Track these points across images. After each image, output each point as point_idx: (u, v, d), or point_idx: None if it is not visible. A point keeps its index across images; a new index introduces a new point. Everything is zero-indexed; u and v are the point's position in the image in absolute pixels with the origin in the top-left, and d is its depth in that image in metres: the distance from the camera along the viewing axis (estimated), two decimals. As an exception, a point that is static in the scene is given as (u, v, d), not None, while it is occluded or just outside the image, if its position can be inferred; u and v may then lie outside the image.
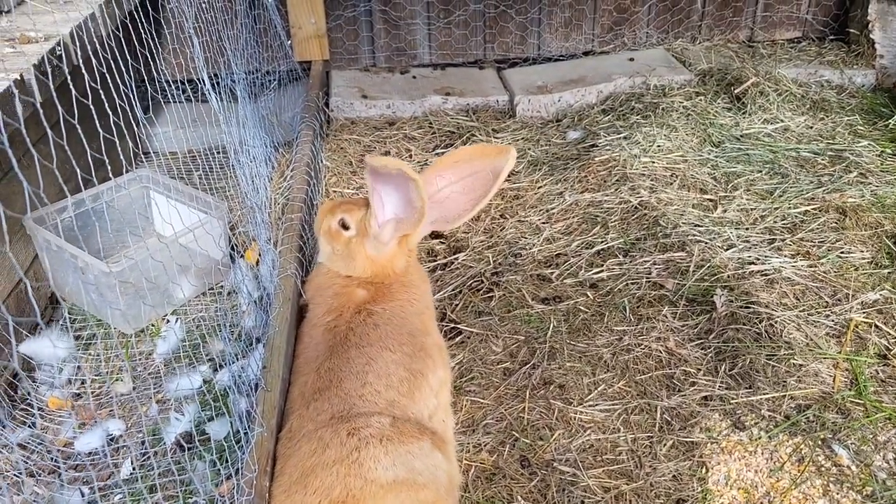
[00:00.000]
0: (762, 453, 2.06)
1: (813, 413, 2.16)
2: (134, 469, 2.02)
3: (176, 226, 2.47)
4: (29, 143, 1.42)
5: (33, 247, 2.55)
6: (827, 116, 3.76)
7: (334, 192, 3.31)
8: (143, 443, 2.12)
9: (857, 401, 2.20)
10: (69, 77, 2.06)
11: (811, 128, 3.67)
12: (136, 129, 2.43)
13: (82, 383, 2.34)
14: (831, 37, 4.62)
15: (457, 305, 2.65)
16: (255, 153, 3.00)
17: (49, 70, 2.11)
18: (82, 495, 1.94)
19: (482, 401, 2.27)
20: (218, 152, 3.39)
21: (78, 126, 1.74)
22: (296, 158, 3.19)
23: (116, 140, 1.99)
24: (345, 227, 2.28)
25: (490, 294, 2.69)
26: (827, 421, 2.13)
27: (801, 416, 2.15)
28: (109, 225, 2.69)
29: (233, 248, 2.80)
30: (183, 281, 2.56)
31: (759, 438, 2.10)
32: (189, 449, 2.08)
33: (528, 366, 2.37)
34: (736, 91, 3.87)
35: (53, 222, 2.52)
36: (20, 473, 2.00)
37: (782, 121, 3.69)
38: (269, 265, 2.53)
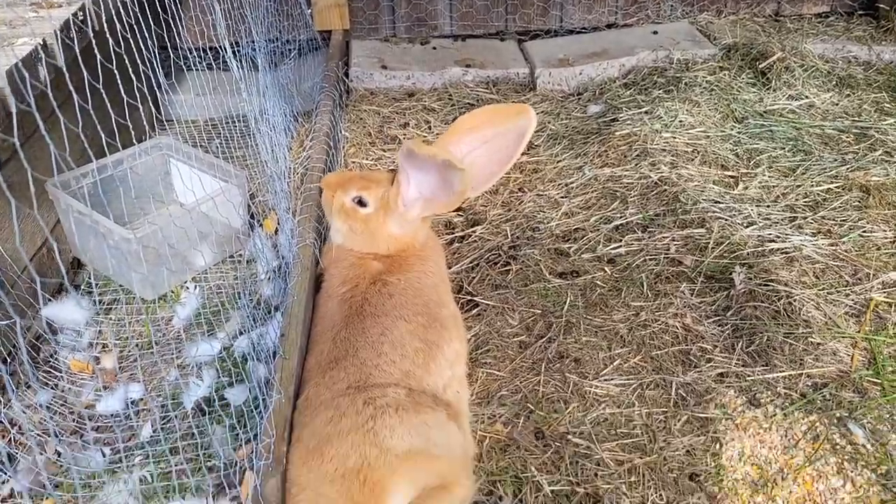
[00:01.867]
0: (777, 430, 2.06)
1: (829, 392, 2.15)
2: (155, 432, 2.06)
3: (196, 193, 2.48)
4: (55, 105, 1.43)
5: (55, 211, 2.58)
6: (853, 93, 3.70)
7: (353, 162, 3.31)
8: (163, 407, 2.16)
9: (874, 380, 2.19)
10: (93, 41, 2.06)
11: (836, 104, 3.61)
12: (158, 94, 2.44)
13: (104, 347, 2.38)
14: (860, 12, 4.52)
15: (474, 278, 2.65)
16: (275, 122, 3.00)
17: (73, 33, 2.12)
18: (104, 456, 1.98)
19: (498, 373, 2.28)
20: (237, 121, 3.40)
21: (102, 90, 1.75)
22: (315, 128, 3.19)
23: (139, 105, 2.00)
24: (362, 204, 2.27)
25: (507, 267, 2.69)
26: (843, 400, 2.13)
27: (818, 394, 2.15)
28: (132, 191, 2.71)
29: (252, 217, 2.82)
30: (203, 248, 2.58)
31: (775, 416, 2.10)
32: (208, 414, 2.12)
33: (544, 339, 2.37)
34: (761, 66, 3.81)
35: (77, 187, 2.54)
36: (44, 433, 2.04)
37: (807, 97, 3.63)
38: (288, 234, 2.55)
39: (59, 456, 1.99)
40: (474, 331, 2.42)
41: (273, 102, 3.07)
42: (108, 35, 1.91)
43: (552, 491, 1.92)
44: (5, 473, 1.91)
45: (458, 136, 2.24)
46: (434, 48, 4.28)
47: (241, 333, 2.35)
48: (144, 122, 2.23)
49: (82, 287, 2.60)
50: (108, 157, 2.66)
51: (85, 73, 1.68)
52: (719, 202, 2.92)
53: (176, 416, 2.11)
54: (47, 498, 1.89)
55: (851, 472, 1.95)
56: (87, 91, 1.65)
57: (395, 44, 4.33)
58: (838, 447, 2.01)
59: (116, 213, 2.63)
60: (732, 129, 3.39)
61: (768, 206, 2.90)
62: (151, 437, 2.05)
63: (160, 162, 2.86)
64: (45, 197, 2.53)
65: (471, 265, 2.72)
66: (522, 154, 2.21)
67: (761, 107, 3.57)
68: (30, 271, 2.28)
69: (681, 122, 3.40)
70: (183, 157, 2.80)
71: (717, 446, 2.03)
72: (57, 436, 2.05)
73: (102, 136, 1.79)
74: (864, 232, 2.74)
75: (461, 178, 2.05)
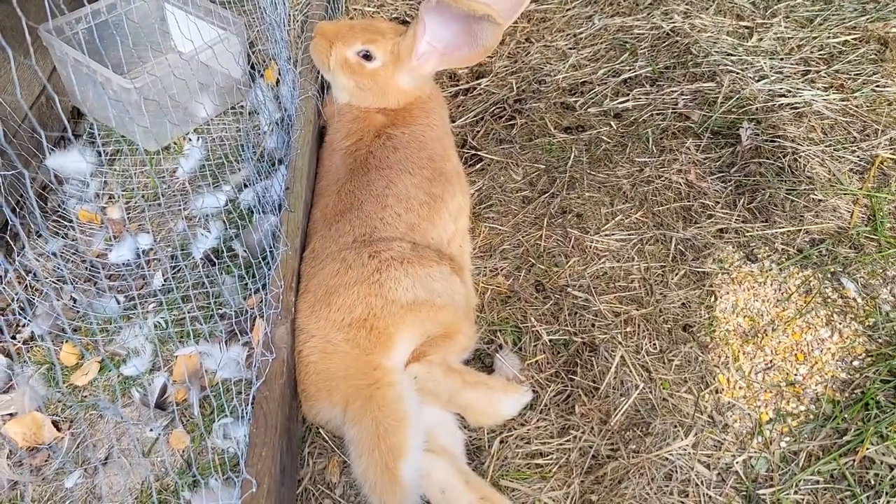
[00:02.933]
0: (771, 284, 2.12)
1: (826, 247, 2.19)
2: (166, 281, 2.12)
3: (194, 42, 2.41)
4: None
5: (51, 58, 2.52)
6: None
7: (355, 9, 3.18)
8: (173, 257, 2.20)
9: (871, 236, 2.22)
10: None
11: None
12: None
13: (110, 198, 2.40)
14: None
15: (478, 132, 2.63)
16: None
17: None
18: (118, 303, 2.05)
19: (500, 227, 2.31)
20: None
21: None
22: (314, -28, 3.04)
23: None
24: (368, 58, 2.20)
25: (512, 121, 2.65)
26: (839, 255, 2.17)
27: (814, 249, 2.18)
28: (128, 39, 2.63)
29: (252, 67, 2.75)
30: (204, 99, 2.54)
31: (770, 270, 2.15)
32: (217, 264, 2.17)
33: (547, 194, 2.38)
34: None
35: (71, 33, 2.46)
36: (58, 280, 2.10)
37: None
38: (290, 85, 2.49)
39: (74, 302, 2.06)
40: (478, 185, 2.43)
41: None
42: None
43: (550, 340, 2.00)
44: (24, 318, 1.99)
45: None
46: None
47: (245, 186, 2.36)
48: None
49: (84, 137, 2.58)
50: (101, 1, 2.56)
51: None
52: (732, 54, 2.84)
53: (186, 266, 2.16)
54: (66, 341, 1.97)
55: (840, 324, 2.02)
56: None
57: None
58: (829, 300, 2.07)
59: (114, 61, 2.56)
60: (751, -24, 3.23)
61: (782, 59, 2.82)
62: (163, 285, 2.11)
63: (155, 8, 2.75)
64: (39, 44, 2.46)
65: (475, 119, 2.69)
66: (531, 1, 2.12)
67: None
68: (30, 121, 2.26)
69: (698, -33, 3.24)
70: (178, 2, 2.70)
71: (712, 299, 2.09)
72: (71, 283, 2.11)
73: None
74: (878, 86, 2.68)
75: (494, 33, 1.97)
